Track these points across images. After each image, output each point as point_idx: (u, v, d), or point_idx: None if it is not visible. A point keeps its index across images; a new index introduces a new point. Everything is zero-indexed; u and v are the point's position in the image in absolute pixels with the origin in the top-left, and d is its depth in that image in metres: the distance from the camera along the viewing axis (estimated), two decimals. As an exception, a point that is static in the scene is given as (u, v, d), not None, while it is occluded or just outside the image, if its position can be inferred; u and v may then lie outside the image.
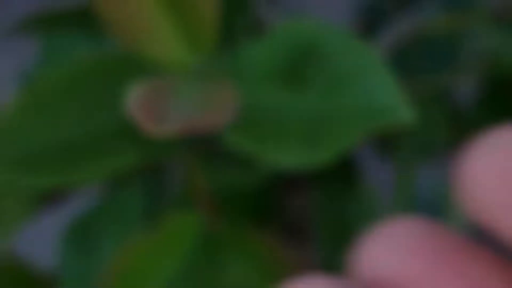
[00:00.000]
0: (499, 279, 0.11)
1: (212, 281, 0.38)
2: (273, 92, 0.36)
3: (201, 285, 0.38)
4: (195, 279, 0.38)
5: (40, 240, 0.85)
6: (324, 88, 0.35)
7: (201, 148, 0.42)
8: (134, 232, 0.40)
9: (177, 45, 0.37)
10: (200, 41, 0.37)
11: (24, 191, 0.41)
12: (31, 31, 0.41)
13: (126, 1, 0.34)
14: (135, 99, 0.30)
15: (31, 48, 0.64)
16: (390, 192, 0.43)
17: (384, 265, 0.11)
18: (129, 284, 0.36)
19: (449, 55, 0.44)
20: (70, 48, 0.45)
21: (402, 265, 0.11)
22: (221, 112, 0.34)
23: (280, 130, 0.35)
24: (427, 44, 0.50)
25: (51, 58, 0.50)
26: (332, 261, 0.48)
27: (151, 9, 0.36)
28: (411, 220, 0.11)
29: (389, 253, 0.11)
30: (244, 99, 0.37)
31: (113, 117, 0.36)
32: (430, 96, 0.48)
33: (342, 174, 0.50)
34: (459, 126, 0.48)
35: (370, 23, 0.49)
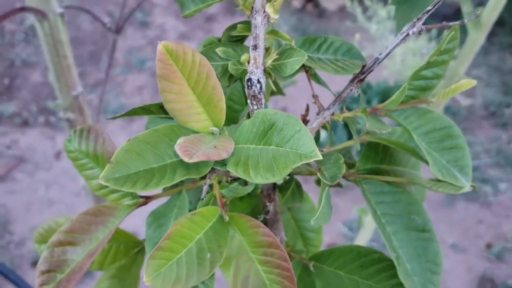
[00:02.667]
0: None
1: (224, 242, 0.73)
2: (253, 146, 0.71)
3: (217, 245, 0.72)
4: (213, 240, 0.72)
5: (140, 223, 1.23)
6: (277, 143, 0.70)
7: (219, 173, 0.77)
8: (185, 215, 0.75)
9: (205, 121, 0.73)
10: (216, 120, 0.73)
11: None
12: (137, 115, 0.79)
13: (178, 101, 0.70)
14: (178, 146, 0.66)
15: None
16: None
17: None
18: (176, 240, 0.71)
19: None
20: (160, 122, 0.84)
21: None
22: (224, 152, 0.69)
23: (256, 165, 0.70)
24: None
25: (151, 126, 0.89)
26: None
27: (194, 104, 0.72)
28: None
29: None
30: (238, 148, 0.72)
31: (172, 155, 0.72)
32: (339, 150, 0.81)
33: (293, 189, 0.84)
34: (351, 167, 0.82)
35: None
